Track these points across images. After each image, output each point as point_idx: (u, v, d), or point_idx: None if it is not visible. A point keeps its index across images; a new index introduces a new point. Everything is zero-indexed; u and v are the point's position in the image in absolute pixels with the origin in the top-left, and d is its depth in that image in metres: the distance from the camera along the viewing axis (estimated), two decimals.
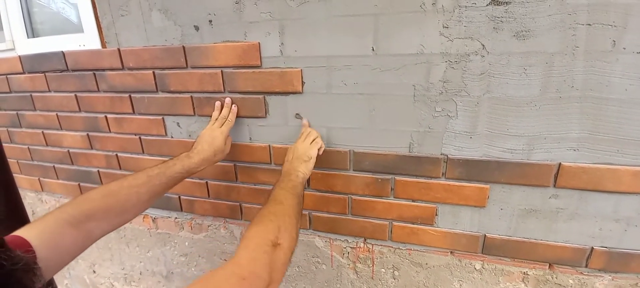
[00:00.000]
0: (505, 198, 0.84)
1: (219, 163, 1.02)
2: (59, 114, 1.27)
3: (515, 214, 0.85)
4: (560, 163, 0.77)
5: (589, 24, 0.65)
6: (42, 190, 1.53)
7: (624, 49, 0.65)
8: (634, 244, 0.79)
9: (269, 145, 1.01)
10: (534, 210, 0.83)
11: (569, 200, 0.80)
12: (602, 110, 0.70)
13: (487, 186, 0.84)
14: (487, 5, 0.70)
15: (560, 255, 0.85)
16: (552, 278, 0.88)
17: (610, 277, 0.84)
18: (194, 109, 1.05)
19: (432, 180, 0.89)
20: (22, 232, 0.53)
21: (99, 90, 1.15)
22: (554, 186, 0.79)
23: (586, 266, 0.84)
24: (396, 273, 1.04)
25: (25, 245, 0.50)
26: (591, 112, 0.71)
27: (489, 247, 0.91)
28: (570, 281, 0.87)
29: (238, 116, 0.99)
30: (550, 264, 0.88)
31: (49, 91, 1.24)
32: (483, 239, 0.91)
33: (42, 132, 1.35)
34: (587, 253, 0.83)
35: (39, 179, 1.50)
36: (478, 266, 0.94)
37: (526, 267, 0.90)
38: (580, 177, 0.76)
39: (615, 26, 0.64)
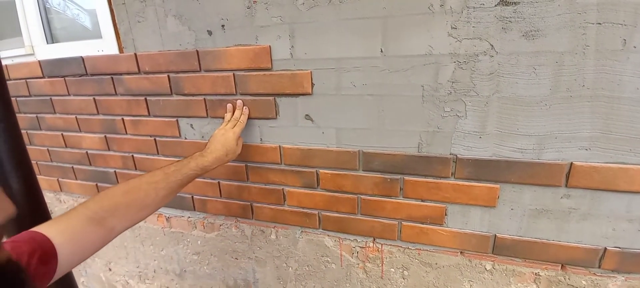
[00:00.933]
0: (515, 198, 0.84)
1: (230, 163, 1.04)
2: (78, 116, 1.32)
3: (526, 214, 0.85)
4: (571, 163, 0.76)
5: (599, 23, 0.65)
6: (61, 191, 1.58)
7: (635, 47, 0.65)
8: None
9: (280, 146, 1.03)
10: (545, 210, 0.83)
11: (581, 200, 0.79)
12: (614, 109, 0.70)
13: (497, 186, 0.84)
14: (495, 5, 0.70)
15: (572, 255, 0.85)
16: (565, 279, 0.87)
17: (623, 278, 0.83)
18: (207, 111, 1.08)
19: (442, 180, 0.89)
20: (44, 228, 0.54)
21: (116, 94, 1.19)
22: (566, 186, 0.79)
23: (599, 267, 0.83)
24: (405, 273, 1.05)
25: (45, 241, 0.52)
26: (602, 111, 0.71)
27: (500, 247, 0.91)
28: (583, 282, 0.86)
29: (249, 117, 1.02)
30: (562, 265, 0.87)
31: (69, 95, 1.29)
32: (493, 239, 0.90)
33: (62, 134, 1.41)
34: (600, 254, 0.82)
35: (57, 180, 1.55)
36: (489, 266, 0.94)
37: (538, 268, 0.89)
38: (593, 176, 0.76)
39: (625, 25, 0.64)
